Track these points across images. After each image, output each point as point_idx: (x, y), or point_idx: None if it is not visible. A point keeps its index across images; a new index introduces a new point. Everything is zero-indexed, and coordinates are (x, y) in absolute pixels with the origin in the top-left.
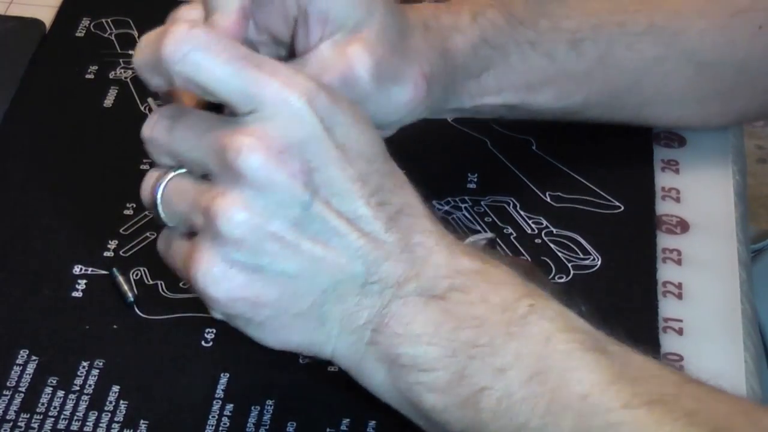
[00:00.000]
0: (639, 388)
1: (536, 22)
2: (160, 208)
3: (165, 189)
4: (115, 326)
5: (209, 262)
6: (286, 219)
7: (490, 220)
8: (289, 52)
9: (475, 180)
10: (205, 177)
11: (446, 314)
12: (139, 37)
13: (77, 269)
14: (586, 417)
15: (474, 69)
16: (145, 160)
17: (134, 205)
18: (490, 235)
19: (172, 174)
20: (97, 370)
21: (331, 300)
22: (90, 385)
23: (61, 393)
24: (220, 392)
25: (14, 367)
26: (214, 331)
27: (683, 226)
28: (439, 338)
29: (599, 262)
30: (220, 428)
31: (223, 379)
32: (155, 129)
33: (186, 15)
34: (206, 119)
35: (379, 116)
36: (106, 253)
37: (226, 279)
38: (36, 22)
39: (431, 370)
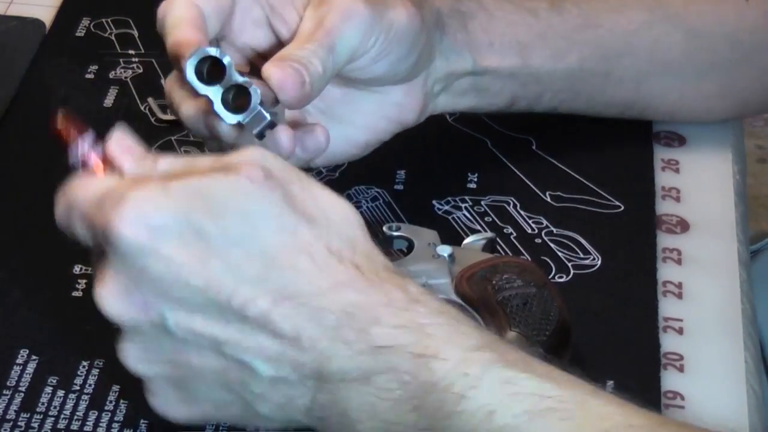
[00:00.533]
0: None
1: None
2: None
3: None
4: (115, 326)
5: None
6: (161, 351)
7: (490, 219)
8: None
9: (476, 180)
10: None
11: (383, 401)
12: (139, 37)
13: (77, 269)
14: None
15: (455, 13)
16: None
17: None
18: (490, 235)
19: None
20: (97, 370)
21: (252, 398)
22: (90, 385)
23: (61, 393)
24: None
25: (14, 367)
26: None
27: (683, 225)
28: (375, 421)
29: (599, 262)
30: (221, 428)
31: None
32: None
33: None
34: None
35: (398, 53)
36: None
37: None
38: (36, 22)
39: None
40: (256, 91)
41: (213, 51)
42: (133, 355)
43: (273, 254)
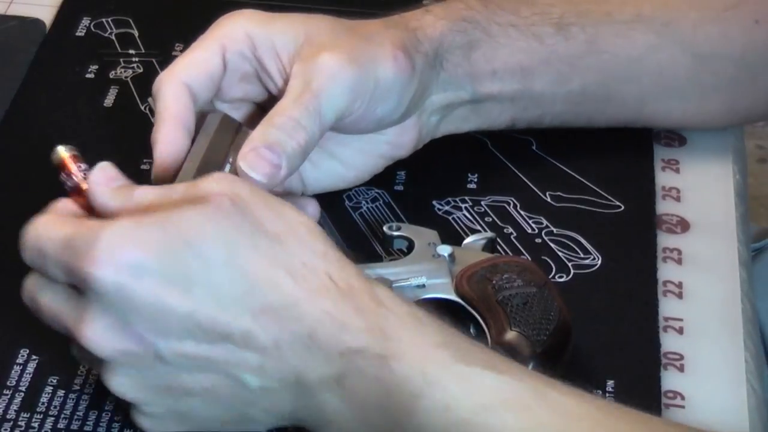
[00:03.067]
0: None
1: (517, 9)
2: None
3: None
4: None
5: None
6: (154, 377)
7: (491, 220)
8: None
9: (476, 180)
10: None
11: (352, 403)
12: (139, 37)
13: None
14: None
15: (457, 45)
16: (145, 160)
17: None
18: (490, 234)
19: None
20: None
21: (245, 408)
22: (90, 385)
23: (61, 393)
24: None
25: (14, 367)
26: None
27: (683, 225)
28: (349, 422)
29: (599, 262)
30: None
31: None
32: (25, 297)
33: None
34: (57, 304)
35: (385, 108)
36: None
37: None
38: (36, 22)
39: None
40: None
41: None
42: (124, 384)
43: (251, 274)
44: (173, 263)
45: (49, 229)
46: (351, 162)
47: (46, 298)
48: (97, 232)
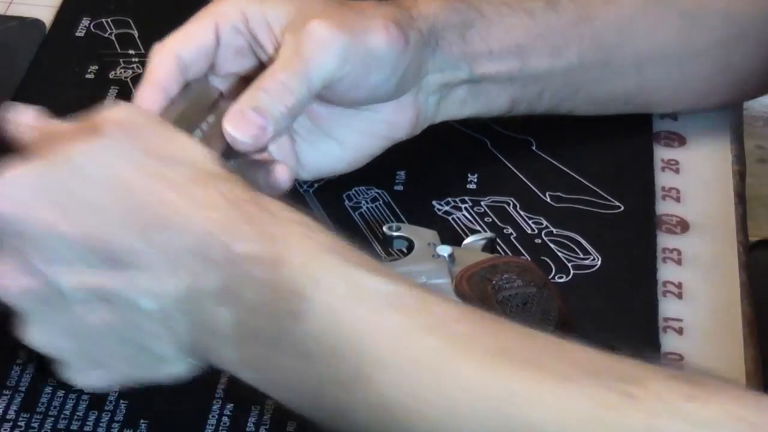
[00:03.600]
0: None
1: None
2: None
3: None
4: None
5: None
6: (61, 321)
7: (490, 220)
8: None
9: (475, 180)
10: None
11: (248, 311)
12: (139, 37)
13: None
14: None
15: (452, 24)
16: None
17: None
18: (490, 235)
19: None
20: None
21: (149, 340)
22: None
23: (61, 393)
24: (220, 392)
25: (14, 367)
26: None
27: (683, 226)
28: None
29: (599, 262)
30: (220, 428)
31: (224, 379)
32: None
33: None
34: None
35: (378, 77)
36: None
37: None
38: (36, 22)
39: None
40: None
41: None
42: (38, 335)
43: (139, 195)
44: (59, 189)
45: None
46: (348, 142)
47: None
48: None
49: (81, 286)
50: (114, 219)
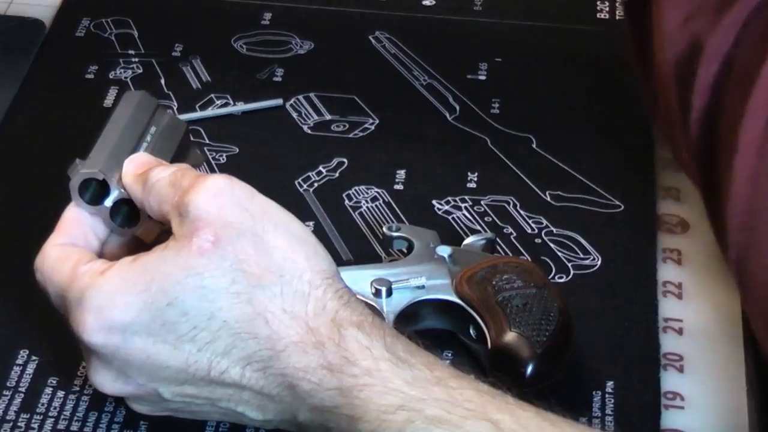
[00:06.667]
0: None
1: None
2: None
3: None
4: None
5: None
6: (167, 406)
7: (490, 219)
8: None
9: (475, 179)
10: None
11: None
12: (139, 37)
13: None
14: None
15: None
16: None
17: None
18: (489, 235)
19: None
20: None
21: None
22: (90, 385)
23: (61, 393)
24: None
25: (14, 367)
26: None
27: (683, 225)
28: None
29: (599, 262)
30: (220, 428)
31: None
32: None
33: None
34: None
35: None
36: None
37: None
38: (36, 22)
39: None
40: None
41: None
42: (140, 408)
43: (235, 327)
44: (159, 323)
45: (52, 270)
46: None
47: None
48: (83, 291)
49: (185, 395)
50: (214, 352)
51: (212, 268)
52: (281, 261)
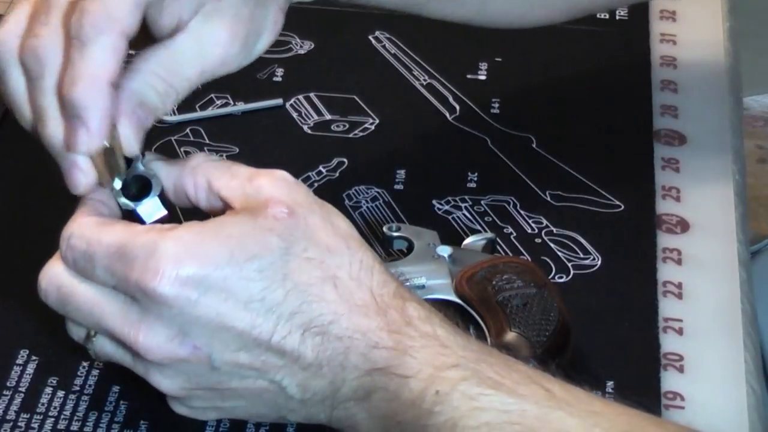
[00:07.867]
0: None
1: None
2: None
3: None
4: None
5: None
6: (204, 381)
7: (490, 219)
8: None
9: (475, 179)
10: None
11: (375, 417)
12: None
13: None
14: None
15: None
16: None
17: None
18: (490, 235)
19: (90, 345)
20: (97, 371)
21: (284, 412)
22: (90, 385)
23: (61, 393)
24: None
25: (14, 367)
26: None
27: (683, 225)
28: None
29: (599, 262)
30: (220, 428)
31: None
32: (48, 298)
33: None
34: (102, 306)
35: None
36: None
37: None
38: None
39: None
40: (158, 183)
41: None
42: (171, 384)
43: (304, 289)
44: (235, 278)
45: (99, 233)
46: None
47: (86, 298)
48: (155, 242)
49: (236, 365)
50: (282, 313)
51: (287, 234)
52: (348, 237)
